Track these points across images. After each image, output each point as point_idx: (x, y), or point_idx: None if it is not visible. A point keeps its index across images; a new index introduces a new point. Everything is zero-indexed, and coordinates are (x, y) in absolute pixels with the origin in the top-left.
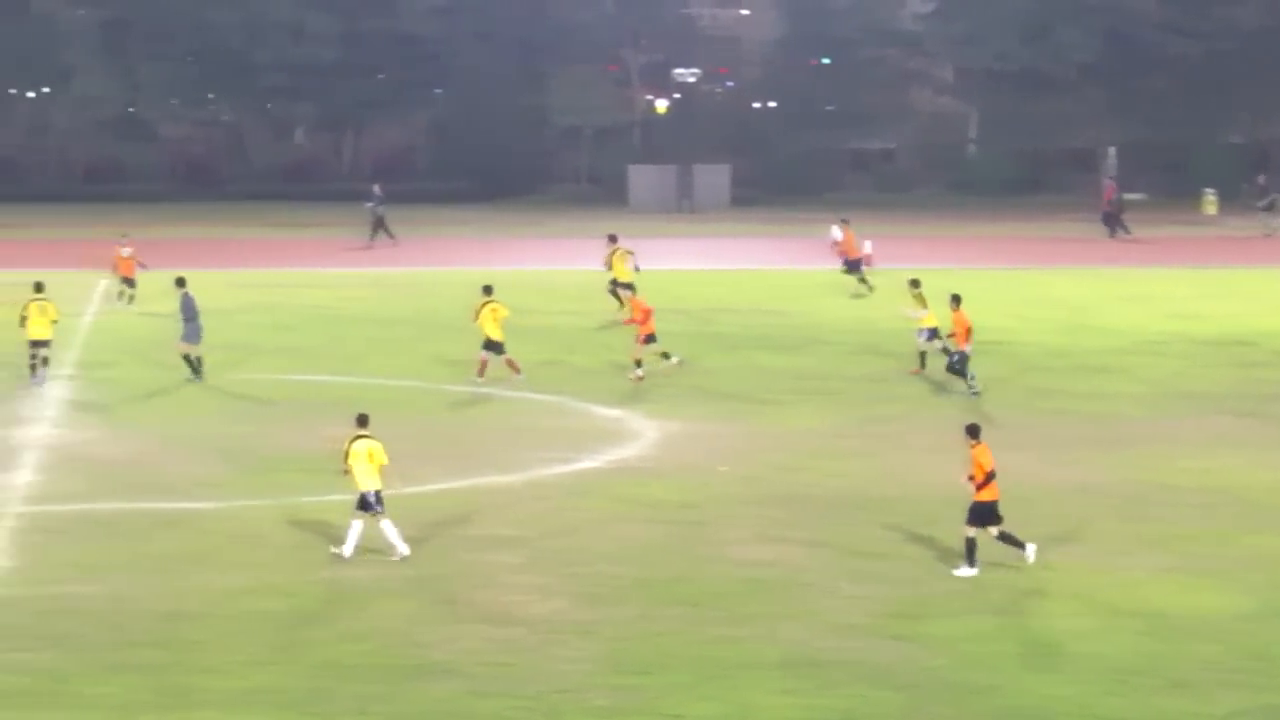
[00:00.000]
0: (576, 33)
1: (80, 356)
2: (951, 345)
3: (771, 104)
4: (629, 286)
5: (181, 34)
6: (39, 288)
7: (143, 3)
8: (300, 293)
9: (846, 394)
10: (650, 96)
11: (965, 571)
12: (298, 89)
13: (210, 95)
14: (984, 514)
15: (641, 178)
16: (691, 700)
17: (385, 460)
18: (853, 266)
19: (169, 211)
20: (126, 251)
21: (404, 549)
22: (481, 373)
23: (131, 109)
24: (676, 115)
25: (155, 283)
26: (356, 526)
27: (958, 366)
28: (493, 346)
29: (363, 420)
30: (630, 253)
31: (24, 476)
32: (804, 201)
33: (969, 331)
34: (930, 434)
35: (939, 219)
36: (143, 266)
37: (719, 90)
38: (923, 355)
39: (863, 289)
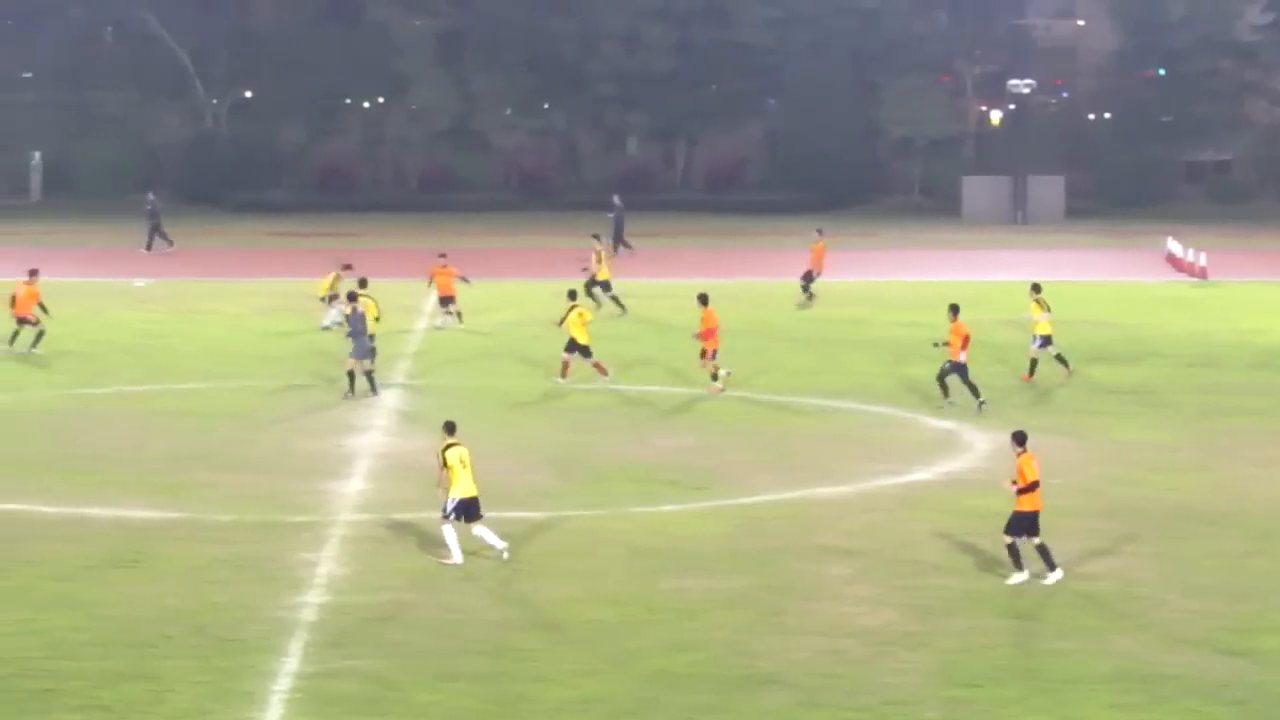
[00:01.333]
0: (910, 44)
1: (411, 366)
2: (949, 357)
3: (1106, 115)
4: (605, 285)
5: (516, 44)
6: (363, 284)
7: (477, 14)
8: (632, 303)
9: (1181, 407)
10: (984, 107)
11: (1017, 578)
12: (631, 99)
13: (544, 105)
14: (1023, 524)
15: (975, 189)
16: (1022, 713)
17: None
18: (807, 279)
19: (501, 221)
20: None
21: (501, 544)
22: (564, 374)
23: (465, 119)
24: (1010, 126)
25: (484, 294)
26: (451, 532)
27: (946, 377)
28: (578, 349)
29: (450, 427)
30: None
31: (356, 485)
32: (1138, 213)
33: (966, 340)
34: (1266, 448)
35: (1277, 231)
36: (464, 280)
37: (1053, 101)
38: (1033, 362)
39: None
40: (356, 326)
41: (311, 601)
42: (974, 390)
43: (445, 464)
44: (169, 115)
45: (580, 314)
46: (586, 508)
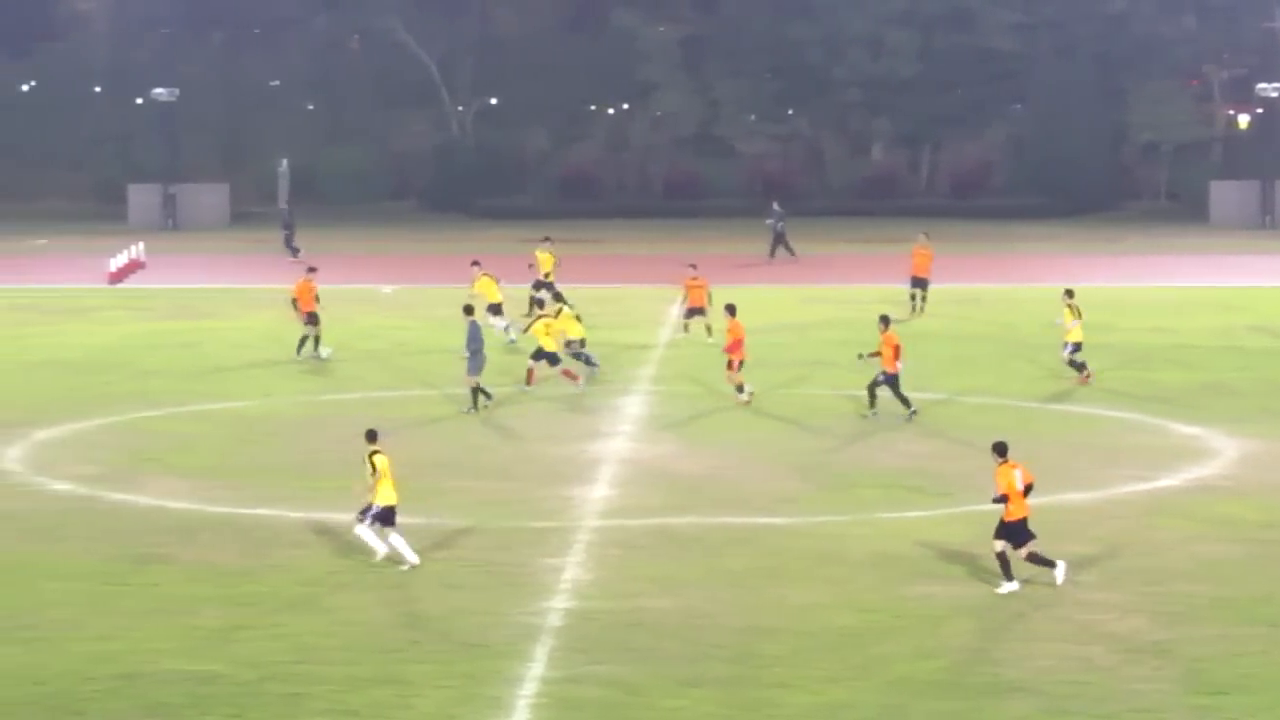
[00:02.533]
0: (1157, 48)
1: (655, 372)
2: (881, 368)
3: None
4: (549, 285)
5: (760, 51)
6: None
7: (721, 19)
8: (874, 309)
9: None
10: (1232, 111)
11: (1006, 587)
12: (875, 104)
13: (788, 111)
14: (1007, 533)
15: (1223, 194)
16: None
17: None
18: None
19: (745, 227)
20: (695, 278)
21: (413, 558)
22: (528, 381)
23: (709, 125)
24: (1259, 130)
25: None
26: (369, 533)
27: (876, 387)
28: (545, 356)
29: (372, 435)
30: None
31: (601, 490)
32: None
33: (898, 351)
34: None
35: None
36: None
37: None
38: (1078, 365)
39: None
40: (473, 343)
41: (557, 607)
42: (905, 401)
43: (375, 469)
44: (415, 122)
45: (546, 323)
46: (832, 514)
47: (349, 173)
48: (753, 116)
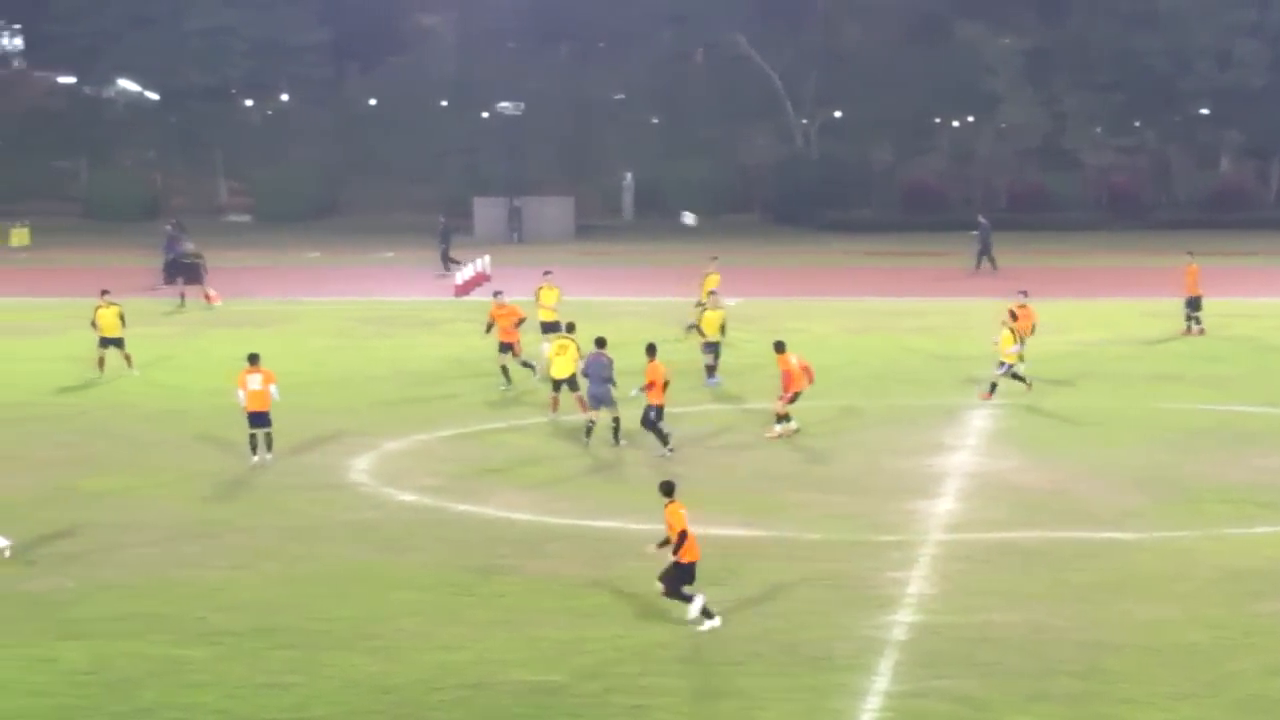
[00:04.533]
0: None
1: (1000, 386)
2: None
3: None
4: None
5: (1105, 62)
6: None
7: (1066, 32)
8: (1229, 322)
9: None
10: None
11: (706, 623)
12: (1224, 116)
13: (1134, 123)
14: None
15: None
16: None
17: None
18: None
19: (1091, 240)
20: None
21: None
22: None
23: (1055, 137)
24: None
25: (1075, 314)
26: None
27: (651, 422)
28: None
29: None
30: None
31: (946, 504)
32: None
33: (664, 386)
34: None
35: None
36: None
37: None
38: None
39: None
40: (597, 370)
41: (901, 620)
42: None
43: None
44: (758, 135)
45: (562, 345)
46: (1178, 529)
47: (692, 186)
48: (1098, 129)
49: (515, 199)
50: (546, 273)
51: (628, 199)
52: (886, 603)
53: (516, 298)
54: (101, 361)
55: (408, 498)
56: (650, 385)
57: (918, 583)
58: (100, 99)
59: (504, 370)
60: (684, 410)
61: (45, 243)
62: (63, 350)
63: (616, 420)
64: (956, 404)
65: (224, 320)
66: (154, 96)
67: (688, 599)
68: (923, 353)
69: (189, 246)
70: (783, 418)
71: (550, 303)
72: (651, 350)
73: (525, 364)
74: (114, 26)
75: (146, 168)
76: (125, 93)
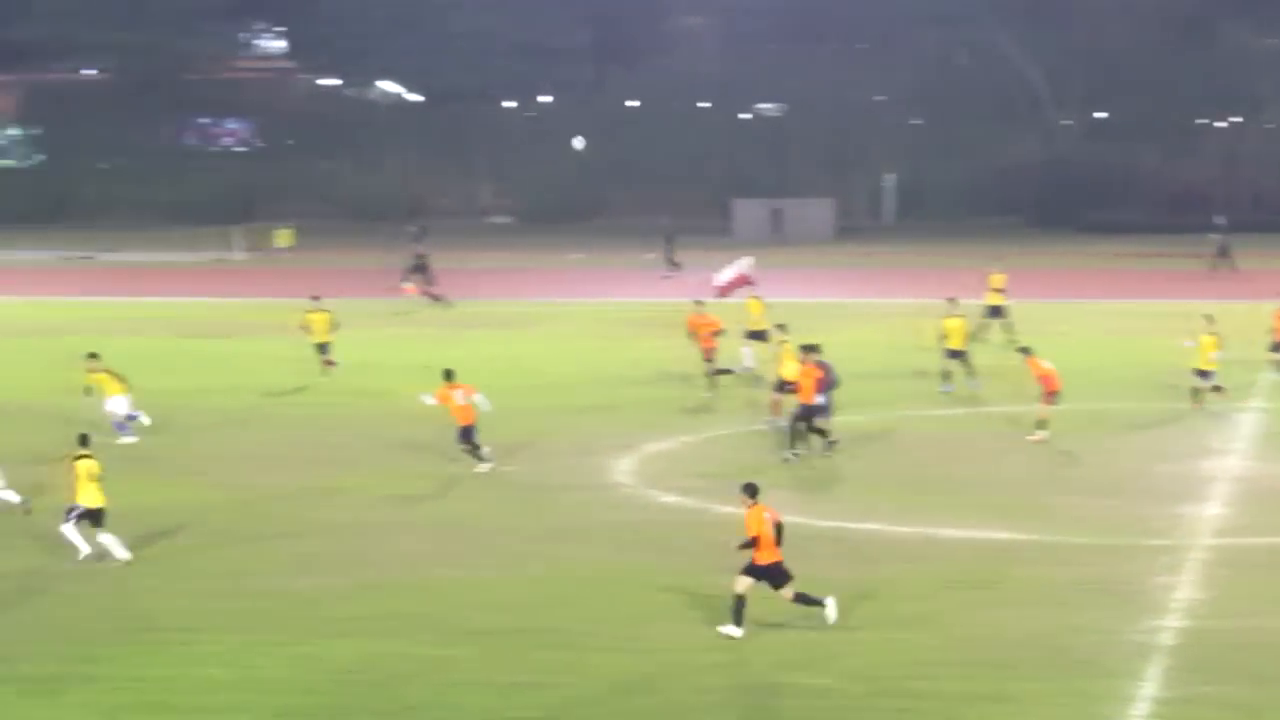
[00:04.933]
0: None
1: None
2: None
3: None
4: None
5: None
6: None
7: None
8: None
9: None
10: None
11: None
12: None
13: None
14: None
15: None
16: None
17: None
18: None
19: None
20: None
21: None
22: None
23: None
24: None
25: None
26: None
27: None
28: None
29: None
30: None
31: (1214, 509)
32: None
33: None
34: None
35: None
36: None
37: None
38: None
39: None
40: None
41: (1170, 626)
42: None
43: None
44: (1022, 137)
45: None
46: None
47: (955, 187)
48: None
49: (776, 201)
50: (751, 283)
51: (888, 201)
52: (1155, 607)
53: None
54: (327, 363)
55: (670, 499)
56: (798, 386)
57: (1186, 587)
58: (364, 101)
59: (713, 375)
60: (932, 414)
61: (309, 244)
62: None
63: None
64: (1224, 408)
65: (486, 321)
66: (417, 99)
67: (818, 602)
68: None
69: (420, 248)
70: (1043, 422)
71: (757, 313)
72: (809, 350)
73: (722, 371)
74: (378, 30)
75: (409, 169)
76: (388, 95)
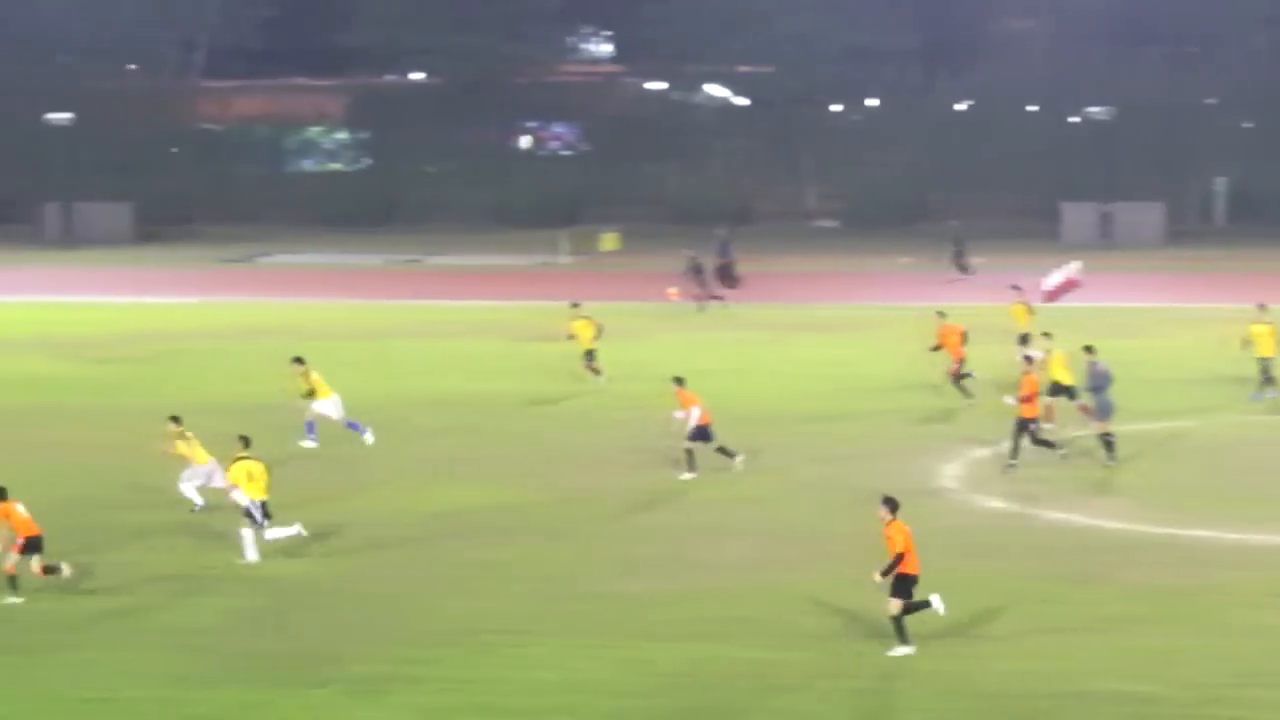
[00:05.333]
0: None
1: None
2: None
3: None
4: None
5: None
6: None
7: None
8: None
9: None
10: None
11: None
12: None
13: None
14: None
15: None
16: None
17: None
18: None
19: None
20: None
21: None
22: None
23: None
24: None
25: None
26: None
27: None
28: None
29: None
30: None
31: None
32: None
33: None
34: None
35: None
36: None
37: None
38: None
39: None
40: (1095, 382)
41: None
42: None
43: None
44: None
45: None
46: None
47: None
48: None
49: (1105, 204)
50: (1015, 287)
51: (1220, 205)
52: None
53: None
54: (592, 369)
55: (996, 504)
56: (1027, 398)
57: None
58: (689, 104)
59: (957, 382)
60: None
61: (634, 247)
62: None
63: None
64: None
65: (812, 325)
66: (743, 102)
67: (925, 605)
68: None
69: (691, 252)
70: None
71: (1023, 319)
72: (1030, 361)
73: (963, 376)
74: (705, 33)
75: (735, 172)
76: (714, 98)
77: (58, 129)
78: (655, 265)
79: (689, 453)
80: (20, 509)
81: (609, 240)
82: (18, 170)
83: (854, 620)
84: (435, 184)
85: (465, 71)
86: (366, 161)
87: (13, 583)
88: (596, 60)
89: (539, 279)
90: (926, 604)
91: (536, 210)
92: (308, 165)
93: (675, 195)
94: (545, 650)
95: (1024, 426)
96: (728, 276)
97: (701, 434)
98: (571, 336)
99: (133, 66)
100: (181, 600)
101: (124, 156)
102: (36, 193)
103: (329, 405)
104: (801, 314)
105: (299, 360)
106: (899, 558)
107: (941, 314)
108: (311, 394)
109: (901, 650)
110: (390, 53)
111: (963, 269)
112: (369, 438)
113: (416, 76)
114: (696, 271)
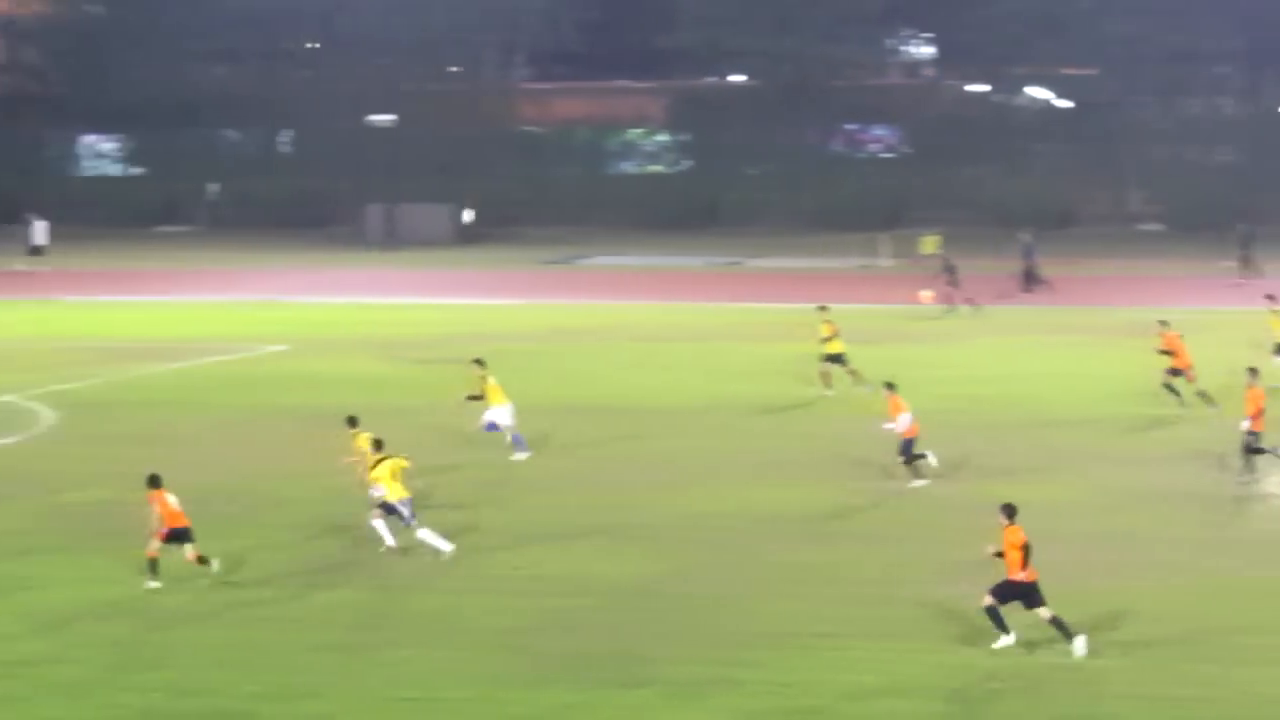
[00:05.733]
0: None
1: None
2: None
3: None
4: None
5: None
6: None
7: None
8: None
9: None
10: None
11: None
12: None
13: None
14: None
15: None
16: None
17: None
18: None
19: None
20: None
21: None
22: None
23: None
24: None
25: None
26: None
27: None
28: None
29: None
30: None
31: None
32: None
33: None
34: None
35: None
36: None
37: None
38: None
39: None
40: None
41: None
42: None
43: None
44: None
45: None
46: None
47: None
48: None
49: None
50: (1269, 296)
51: None
52: None
53: None
54: (827, 377)
55: None
56: (1257, 413)
57: None
58: (1010, 106)
59: (1170, 389)
60: None
61: (954, 250)
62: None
63: None
64: None
65: (1133, 329)
66: (1065, 104)
67: (999, 622)
68: None
69: (943, 253)
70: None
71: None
72: (1254, 373)
73: (1171, 387)
74: (1026, 35)
75: (1056, 175)
76: (1035, 101)
77: (380, 130)
78: (976, 268)
79: (907, 463)
80: (171, 499)
81: (929, 243)
82: (341, 172)
83: (1173, 626)
84: (755, 186)
85: (785, 74)
86: (687, 164)
87: (153, 566)
88: (917, 63)
89: (860, 282)
90: (1069, 635)
91: (857, 213)
92: (628, 168)
93: (994, 198)
94: (865, 653)
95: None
96: (1032, 279)
97: (905, 447)
98: (823, 339)
99: (454, 69)
100: (499, 600)
101: (445, 158)
102: (359, 194)
103: (501, 412)
104: (1121, 317)
105: (479, 362)
106: (1024, 550)
107: (1164, 323)
108: (482, 398)
109: (1003, 641)
110: (710, 55)
111: (1248, 271)
112: (522, 456)
113: (736, 79)
114: (950, 273)
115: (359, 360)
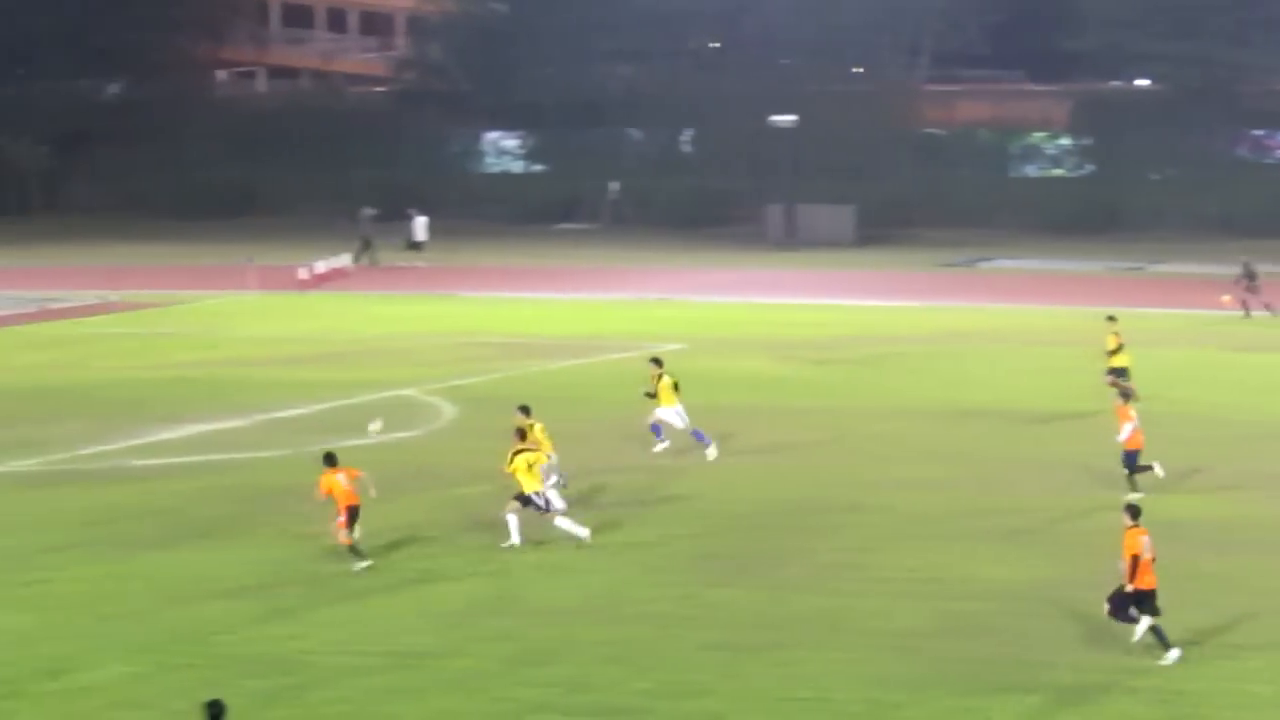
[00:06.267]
0: None
1: None
2: None
3: None
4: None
5: None
6: None
7: None
8: None
9: None
10: None
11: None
12: None
13: None
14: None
15: None
16: None
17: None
18: None
19: None
20: None
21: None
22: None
23: None
24: None
25: None
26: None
27: None
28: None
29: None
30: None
31: None
32: None
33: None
34: None
35: None
36: None
37: None
38: None
39: None
40: None
41: None
42: None
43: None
44: None
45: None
46: None
47: None
48: None
49: None
50: None
51: None
52: None
53: None
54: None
55: None
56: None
57: None
58: None
59: None
60: None
61: None
62: None
63: None
64: None
65: None
66: None
67: (1132, 620)
68: None
69: (1245, 258)
70: None
71: None
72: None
73: None
74: None
75: None
76: None
77: (781, 131)
78: None
79: (1130, 475)
80: (342, 479)
81: None
82: (743, 171)
83: None
84: (1158, 191)
85: (1190, 78)
86: (1089, 168)
87: (355, 550)
88: None
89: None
90: (1133, 620)
91: (1265, 219)
92: (1030, 171)
93: None
94: (1262, 664)
95: None
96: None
97: (1128, 459)
98: (1110, 350)
99: (857, 69)
100: (893, 603)
101: (846, 158)
102: (760, 194)
103: (671, 413)
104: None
105: (657, 361)
106: (1135, 561)
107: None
108: (655, 397)
109: (1170, 656)
110: (1114, 58)
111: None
112: (712, 452)
113: (1141, 83)
114: (1250, 278)
115: (755, 359)
